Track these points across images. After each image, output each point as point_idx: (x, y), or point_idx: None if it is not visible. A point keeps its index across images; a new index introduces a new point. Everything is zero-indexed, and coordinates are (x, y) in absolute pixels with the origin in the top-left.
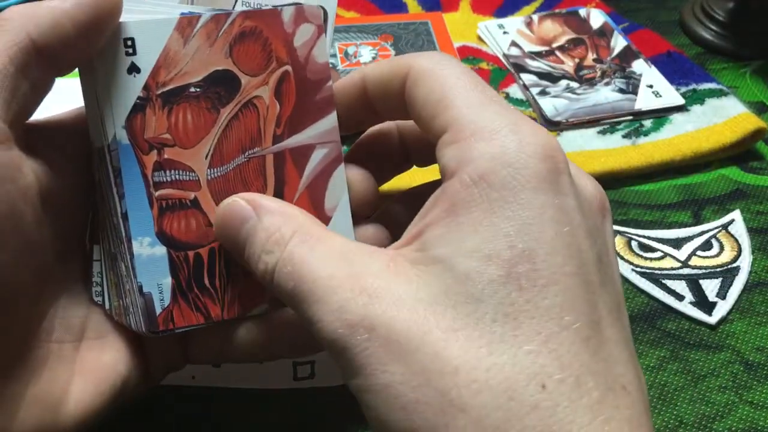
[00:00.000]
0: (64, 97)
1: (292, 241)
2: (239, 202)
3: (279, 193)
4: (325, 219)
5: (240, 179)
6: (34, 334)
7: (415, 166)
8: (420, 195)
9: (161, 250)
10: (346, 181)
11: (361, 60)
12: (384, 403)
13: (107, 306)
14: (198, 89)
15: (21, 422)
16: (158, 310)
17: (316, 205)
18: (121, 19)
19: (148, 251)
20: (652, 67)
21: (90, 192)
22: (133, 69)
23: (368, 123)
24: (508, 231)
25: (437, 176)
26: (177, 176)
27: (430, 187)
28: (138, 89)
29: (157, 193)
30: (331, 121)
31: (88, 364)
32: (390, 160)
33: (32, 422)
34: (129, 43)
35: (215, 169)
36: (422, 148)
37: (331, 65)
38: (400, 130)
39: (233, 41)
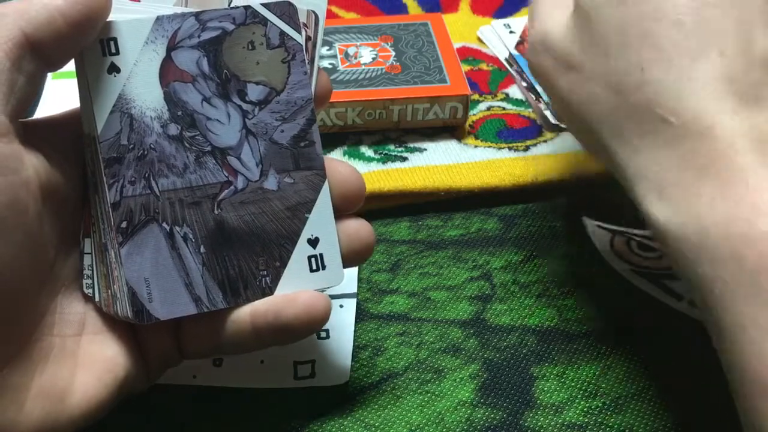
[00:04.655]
0: (66, 99)
1: None
2: None
3: None
4: None
5: None
6: (36, 328)
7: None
8: None
9: None
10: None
11: (362, 61)
12: None
13: (97, 298)
14: None
15: (28, 414)
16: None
17: None
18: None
19: None
20: None
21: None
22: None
23: None
24: None
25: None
26: None
27: None
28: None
29: None
30: None
31: (91, 358)
32: None
33: (39, 414)
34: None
35: None
36: None
37: (330, 66)
38: None
39: None
